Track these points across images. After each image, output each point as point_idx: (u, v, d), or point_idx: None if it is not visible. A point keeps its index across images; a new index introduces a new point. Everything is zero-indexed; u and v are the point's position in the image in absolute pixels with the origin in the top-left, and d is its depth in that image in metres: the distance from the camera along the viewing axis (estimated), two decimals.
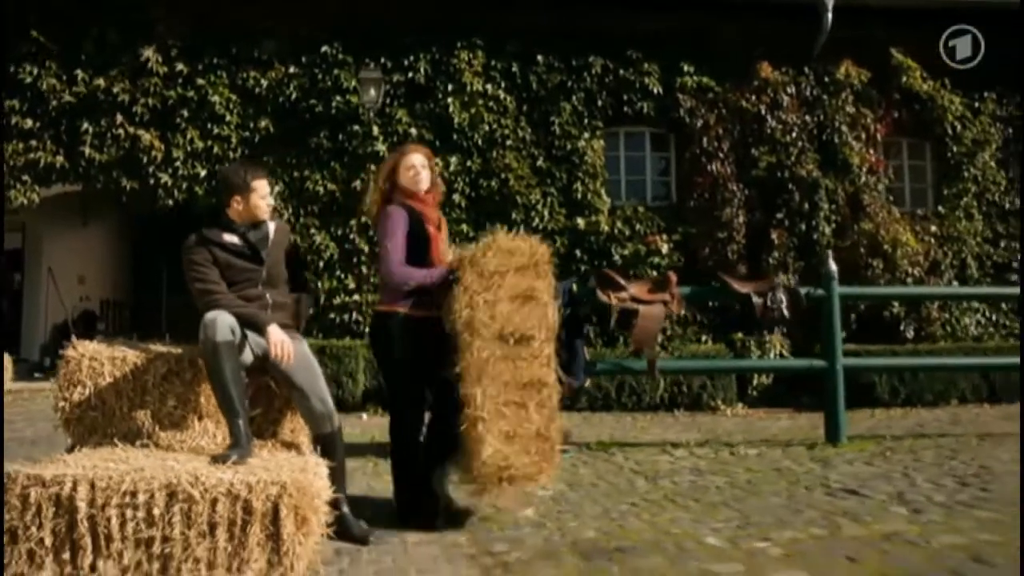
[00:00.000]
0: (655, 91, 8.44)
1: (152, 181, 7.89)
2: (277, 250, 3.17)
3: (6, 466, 2.51)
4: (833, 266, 5.28)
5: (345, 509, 3.01)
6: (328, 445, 3.07)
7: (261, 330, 2.89)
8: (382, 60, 8.16)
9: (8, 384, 7.68)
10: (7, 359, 7.95)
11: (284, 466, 2.61)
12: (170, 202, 7.94)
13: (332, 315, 7.94)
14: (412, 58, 8.21)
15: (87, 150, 7.84)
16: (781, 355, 7.96)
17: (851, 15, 8.43)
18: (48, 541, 2.39)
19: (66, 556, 2.40)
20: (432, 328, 3.12)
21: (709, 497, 3.67)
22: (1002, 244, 8.80)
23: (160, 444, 2.82)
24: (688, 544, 2.91)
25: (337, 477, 3.01)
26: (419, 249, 3.18)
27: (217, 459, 2.60)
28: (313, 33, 8.11)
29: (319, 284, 7.90)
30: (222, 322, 2.73)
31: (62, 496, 2.39)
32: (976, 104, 8.88)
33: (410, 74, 8.19)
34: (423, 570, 2.68)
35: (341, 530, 2.92)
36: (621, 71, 8.45)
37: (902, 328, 8.29)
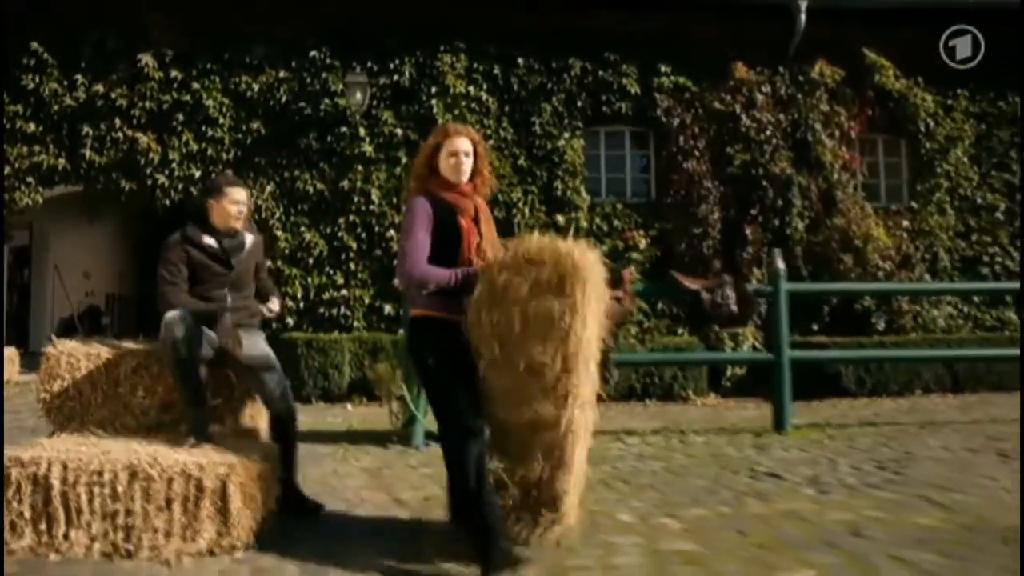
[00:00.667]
0: (633, 92, 8.71)
1: (149, 182, 8.25)
2: (249, 260, 3.46)
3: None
4: (781, 264, 5.56)
5: (295, 485, 3.36)
6: (282, 428, 3.42)
7: (213, 322, 3.21)
8: (368, 64, 8.47)
9: (16, 376, 8.10)
10: (15, 352, 8.39)
11: (234, 449, 2.96)
12: (167, 202, 8.30)
13: (321, 310, 8.29)
14: (397, 62, 8.51)
15: (87, 152, 8.22)
16: (754, 347, 8.23)
17: (826, 15, 8.66)
18: (27, 514, 2.76)
19: (43, 527, 2.77)
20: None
21: (640, 480, 3.99)
22: (973, 238, 9.02)
23: (129, 429, 3.18)
24: (603, 521, 3.23)
25: (289, 457, 3.36)
26: (447, 246, 2.73)
27: (177, 443, 2.95)
28: (302, 38, 8.43)
29: (308, 280, 8.26)
30: (180, 321, 3.07)
31: (38, 475, 2.76)
32: (949, 101, 9.08)
33: (395, 77, 8.50)
34: (363, 540, 3.02)
35: (291, 504, 3.27)
36: (600, 72, 8.72)
37: (873, 320, 8.55)
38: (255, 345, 3.37)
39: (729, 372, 8.19)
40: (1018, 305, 8.57)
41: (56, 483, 2.76)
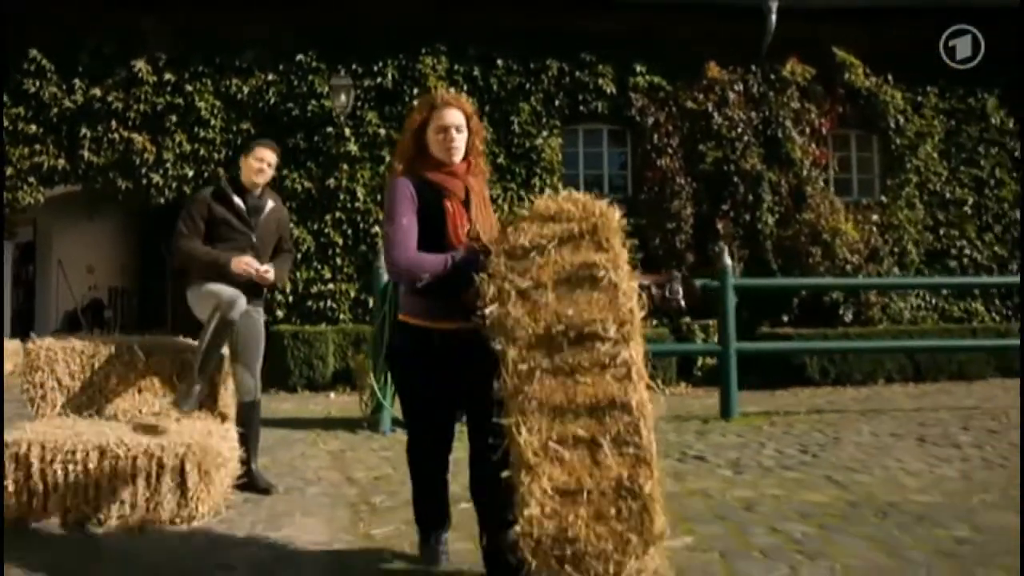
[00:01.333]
0: (609, 91, 9.00)
1: (145, 181, 8.63)
2: (269, 223, 3.69)
3: None
4: (728, 260, 5.89)
5: (254, 466, 3.73)
6: (246, 413, 3.77)
7: (224, 268, 3.49)
8: (353, 66, 8.81)
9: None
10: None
11: (194, 431, 3.33)
12: (161, 200, 8.69)
13: (309, 303, 8.67)
14: (380, 64, 8.84)
15: (86, 153, 8.61)
16: None
17: (797, 15, 8.91)
18: (11, 488, 3.14)
19: (24, 499, 3.14)
20: (464, 346, 2.28)
21: None
22: (941, 232, 9.28)
23: (103, 414, 3.56)
24: None
25: (250, 440, 3.73)
26: (431, 232, 2.38)
27: (145, 425, 3.32)
28: (289, 43, 8.77)
29: (297, 274, 8.63)
30: (240, 305, 3.44)
31: (20, 455, 3.14)
32: (919, 98, 9.32)
33: (379, 79, 8.83)
34: (307, 512, 3.38)
35: (249, 482, 3.64)
36: (576, 72, 9.01)
37: (841, 312, 8.83)
38: (255, 325, 3.70)
39: (700, 362, 8.52)
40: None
41: (35, 461, 3.13)
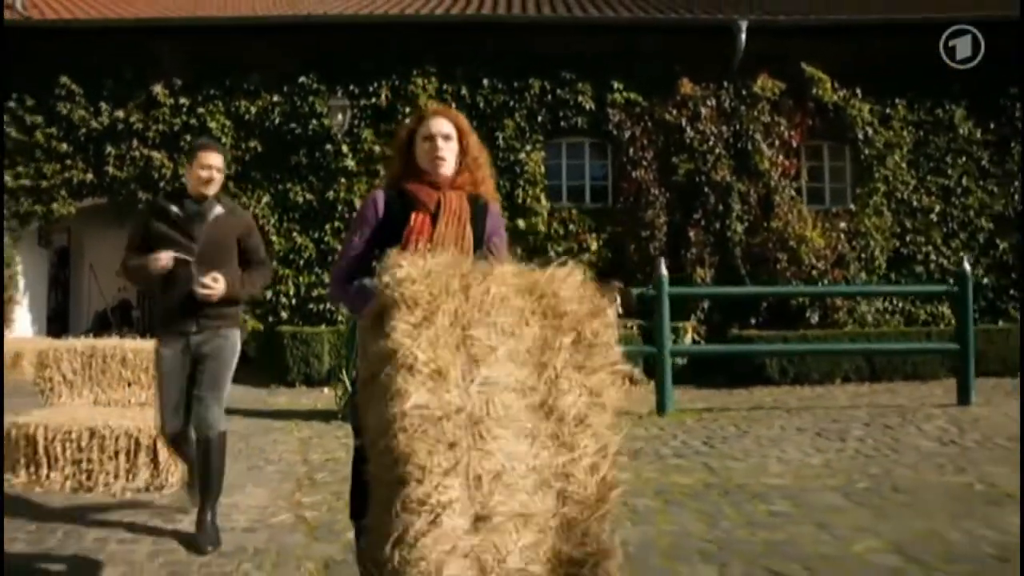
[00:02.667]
0: (588, 107, 9.62)
1: None
2: (217, 232, 3.20)
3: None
4: (664, 271, 6.47)
5: (208, 516, 3.21)
6: (203, 450, 3.19)
7: (148, 268, 3.10)
8: (350, 87, 9.58)
9: None
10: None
11: None
12: None
13: (310, 305, 9.49)
14: (375, 85, 9.60)
15: (111, 169, 9.54)
16: (694, 340, 9.11)
17: (767, 32, 9.44)
18: (22, 460, 3.95)
19: (32, 469, 3.95)
20: None
21: None
22: (908, 238, 9.70)
23: (99, 402, 4.36)
24: None
25: (211, 484, 3.22)
26: (392, 243, 2.09)
27: (132, 412, 4.10)
28: (292, 67, 9.58)
29: (300, 279, 9.45)
30: (160, 351, 3.25)
31: (28, 434, 3.95)
32: (887, 110, 9.74)
33: (373, 99, 9.59)
34: (258, 483, 4.13)
35: (189, 539, 3.20)
36: (557, 90, 9.66)
37: (807, 315, 9.33)
38: (221, 352, 3.21)
39: (671, 361, 9.09)
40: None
41: (41, 439, 3.94)
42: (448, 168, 2.31)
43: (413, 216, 2.23)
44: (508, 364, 1.80)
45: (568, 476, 1.78)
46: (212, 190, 3.24)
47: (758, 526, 3.33)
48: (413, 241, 2.18)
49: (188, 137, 9.55)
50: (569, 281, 1.89)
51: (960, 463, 4.42)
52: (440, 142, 2.29)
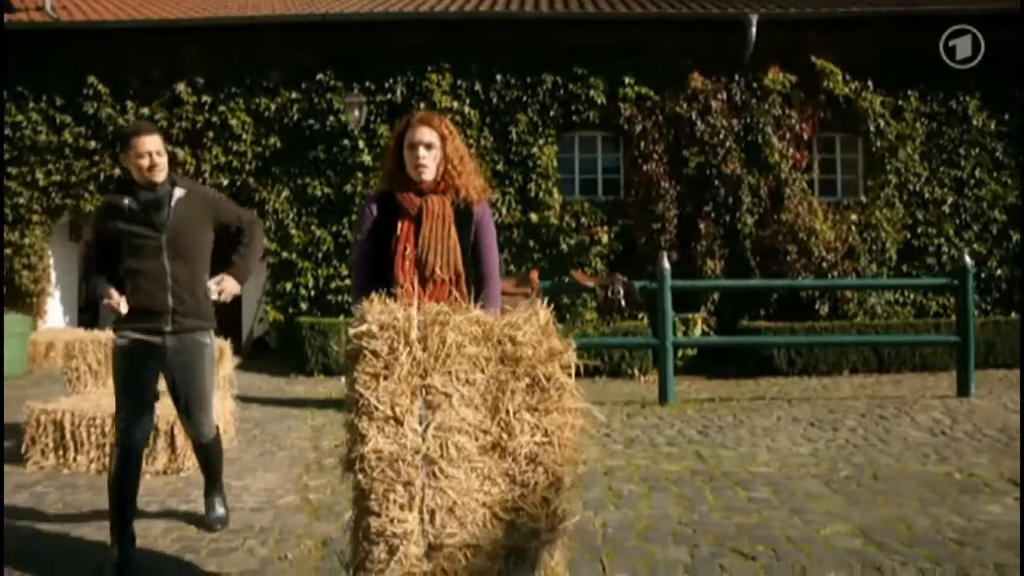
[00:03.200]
0: (600, 101, 9.74)
1: None
2: (184, 216, 2.93)
3: (33, 403, 4.38)
4: (666, 264, 6.61)
5: (218, 507, 3.44)
6: (202, 452, 3.32)
7: (100, 300, 2.92)
8: (366, 84, 9.81)
9: None
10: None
11: None
12: None
13: (329, 296, 9.78)
14: (391, 81, 9.81)
15: None
16: (704, 332, 9.24)
17: (779, 25, 9.48)
18: (50, 444, 4.25)
19: (60, 453, 4.25)
20: None
21: None
22: (919, 230, 9.70)
23: None
24: None
25: (214, 478, 3.39)
26: (383, 250, 2.44)
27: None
28: (310, 64, 9.82)
29: (318, 271, 9.73)
30: (117, 352, 3.03)
31: (56, 419, 4.25)
32: (899, 102, 9.73)
33: (389, 95, 9.81)
34: (268, 468, 4.39)
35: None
36: (570, 85, 9.78)
37: (817, 307, 9.40)
38: (199, 358, 3.03)
39: (680, 353, 9.23)
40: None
41: (67, 424, 4.23)
42: (430, 174, 2.49)
43: (399, 224, 2.44)
44: (463, 409, 2.01)
45: (518, 510, 2.00)
46: (160, 176, 2.94)
47: (734, 511, 3.50)
48: (400, 247, 2.42)
49: (210, 134, 9.88)
50: (527, 327, 2.05)
51: (944, 453, 4.54)
52: (422, 151, 2.47)
